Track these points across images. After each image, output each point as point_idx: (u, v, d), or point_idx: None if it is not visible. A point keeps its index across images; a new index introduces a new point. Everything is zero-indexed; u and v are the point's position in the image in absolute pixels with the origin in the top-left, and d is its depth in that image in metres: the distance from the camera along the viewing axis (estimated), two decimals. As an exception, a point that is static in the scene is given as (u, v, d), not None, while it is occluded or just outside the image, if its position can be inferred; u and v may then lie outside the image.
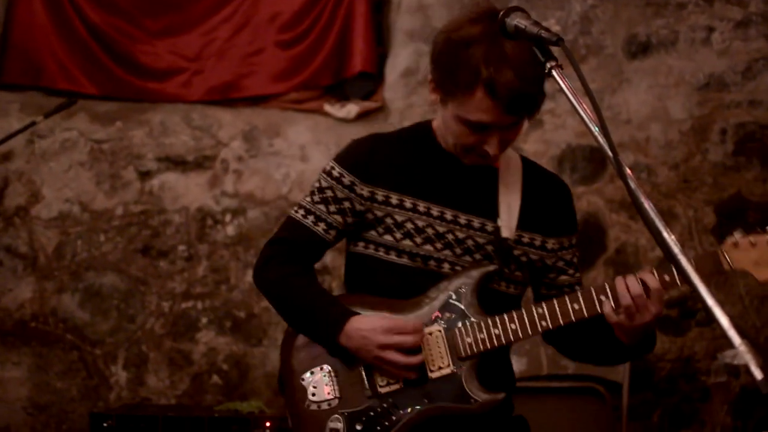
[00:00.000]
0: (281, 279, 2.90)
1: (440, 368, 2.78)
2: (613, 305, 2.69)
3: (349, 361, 2.82)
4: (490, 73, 2.63)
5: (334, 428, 2.81)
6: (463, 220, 2.84)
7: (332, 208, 2.87)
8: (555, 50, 2.19)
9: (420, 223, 2.82)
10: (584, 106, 2.10)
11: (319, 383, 2.85)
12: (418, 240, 2.83)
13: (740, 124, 5.29)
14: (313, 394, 2.84)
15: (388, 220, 2.83)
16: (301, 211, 2.90)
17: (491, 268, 2.81)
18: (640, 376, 5.15)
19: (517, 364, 4.94)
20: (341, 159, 2.92)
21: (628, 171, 2.01)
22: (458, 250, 2.83)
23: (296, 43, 5.50)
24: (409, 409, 2.78)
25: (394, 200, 2.84)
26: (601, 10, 5.34)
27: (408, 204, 2.83)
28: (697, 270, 2.63)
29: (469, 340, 2.76)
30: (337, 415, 2.82)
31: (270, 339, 5.23)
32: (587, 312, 2.71)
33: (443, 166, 2.87)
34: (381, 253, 2.86)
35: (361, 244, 2.89)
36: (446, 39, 2.74)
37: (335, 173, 2.89)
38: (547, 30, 2.16)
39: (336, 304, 2.85)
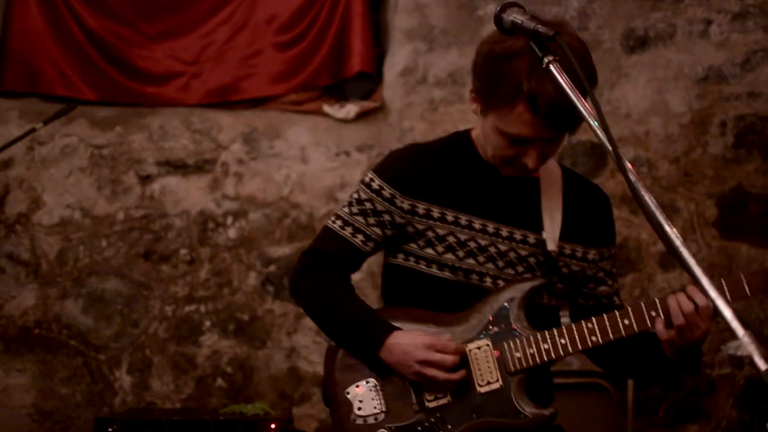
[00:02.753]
0: (319, 290, 2.87)
1: (489, 383, 2.75)
2: (664, 322, 2.66)
3: (391, 374, 2.79)
4: (531, 87, 2.58)
5: None
6: (505, 232, 2.81)
7: (371, 220, 2.84)
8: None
9: (462, 237, 2.79)
10: (583, 101, 2.10)
11: (365, 397, 2.82)
12: (461, 254, 2.80)
13: (740, 116, 5.28)
14: (359, 408, 2.81)
15: (430, 234, 2.80)
16: (339, 222, 2.87)
17: (539, 282, 2.79)
18: (645, 370, 5.14)
19: (522, 361, 4.94)
20: (381, 171, 2.88)
21: (629, 165, 2.00)
22: (501, 263, 2.80)
23: (294, 45, 5.49)
24: (457, 424, 2.76)
25: (435, 213, 2.80)
26: (598, 5, 5.33)
27: (450, 217, 2.80)
28: (750, 288, 2.64)
29: (518, 354, 2.74)
30: (383, 430, 2.79)
31: (273, 341, 5.23)
32: (637, 327, 2.69)
33: (484, 177, 2.83)
34: (422, 266, 2.83)
35: (401, 256, 2.87)
36: (489, 50, 2.69)
37: (375, 185, 2.85)
38: (544, 24, 2.16)
39: (376, 317, 2.81)
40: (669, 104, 5.30)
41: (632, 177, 1.97)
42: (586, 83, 2.03)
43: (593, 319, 2.71)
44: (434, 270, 2.82)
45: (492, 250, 2.80)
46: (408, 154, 2.91)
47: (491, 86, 2.67)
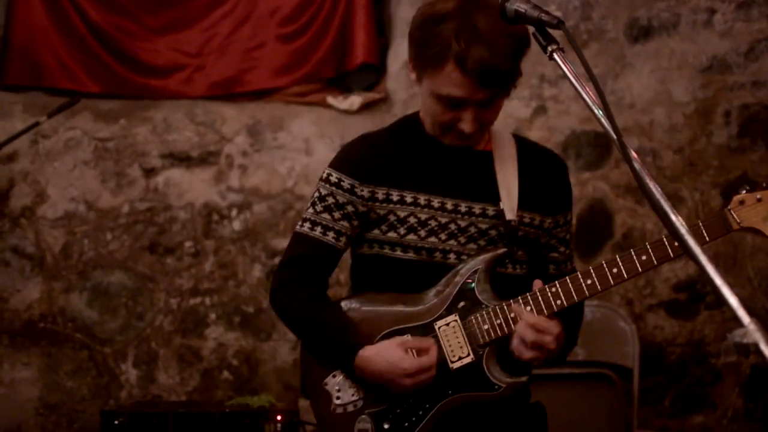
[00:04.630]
0: (295, 309, 2.91)
1: (461, 358, 2.77)
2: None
3: None
4: (460, 47, 2.64)
5: (363, 429, 2.81)
6: (463, 207, 2.83)
7: (337, 214, 2.85)
8: (557, 36, 2.19)
9: (422, 216, 2.82)
10: (587, 90, 2.10)
11: (343, 385, 2.84)
12: (422, 233, 2.82)
13: (744, 105, 5.27)
14: (338, 398, 2.83)
15: (391, 217, 2.82)
16: (307, 225, 2.88)
17: (501, 251, 2.80)
18: (651, 360, 5.14)
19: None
20: (337, 164, 2.91)
21: (634, 154, 2.00)
22: (462, 239, 2.82)
23: (297, 37, 5.49)
24: (434, 402, 2.78)
25: (394, 197, 2.83)
26: (601, -5, 5.34)
27: (409, 199, 2.82)
28: (708, 233, 2.65)
29: (486, 326, 2.76)
30: (364, 416, 2.81)
31: (279, 333, 5.23)
32: (600, 286, 2.70)
33: (437, 156, 2.86)
34: (386, 251, 2.85)
35: (365, 245, 2.89)
36: (419, 15, 2.78)
37: (333, 179, 2.87)
38: (548, 13, 2.15)
39: (345, 338, 2.82)
40: (673, 94, 5.29)
41: (637, 166, 1.97)
42: (591, 71, 2.02)
43: (556, 284, 2.73)
44: (398, 253, 2.84)
45: (452, 226, 2.82)
46: (361, 144, 2.95)
47: (422, 49, 2.75)
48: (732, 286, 1.81)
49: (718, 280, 1.81)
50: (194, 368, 5.27)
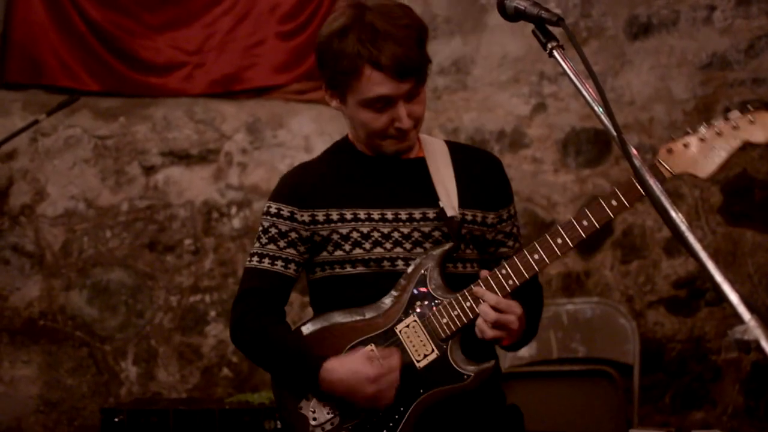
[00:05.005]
0: (255, 341, 2.94)
1: (426, 356, 2.80)
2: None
3: None
4: (370, 50, 2.72)
5: None
6: (404, 215, 2.88)
7: (282, 243, 2.91)
8: (557, 33, 2.19)
9: (365, 230, 2.86)
10: (587, 87, 2.10)
11: (317, 406, 2.86)
12: (367, 246, 2.86)
13: (744, 102, 5.24)
14: (314, 419, 2.86)
15: (335, 236, 2.87)
16: (255, 258, 2.95)
17: (449, 246, 2.85)
18: (651, 357, 5.14)
19: (528, 349, 4.94)
20: (275, 195, 2.98)
21: (634, 151, 2.00)
22: (407, 245, 2.87)
23: (297, 34, 5.49)
24: (408, 405, 2.80)
25: (334, 216, 2.88)
26: (601, -8, 5.33)
27: (348, 215, 2.88)
28: (641, 187, 2.65)
29: (445, 320, 2.79)
30: None
31: (279, 330, 5.23)
32: (548, 259, 2.73)
33: (370, 170, 2.93)
34: (337, 270, 2.90)
35: (318, 269, 2.94)
36: (322, 39, 2.83)
37: (273, 210, 2.94)
38: (548, 10, 2.15)
39: (304, 360, 2.84)
40: (673, 91, 5.29)
41: (637, 163, 1.97)
42: (591, 69, 2.02)
43: (505, 264, 2.76)
44: (348, 269, 2.88)
45: (396, 234, 2.87)
46: (296, 172, 3.04)
47: (335, 67, 2.80)
48: (732, 283, 1.81)
49: (719, 277, 1.81)
50: (194, 365, 5.27)
